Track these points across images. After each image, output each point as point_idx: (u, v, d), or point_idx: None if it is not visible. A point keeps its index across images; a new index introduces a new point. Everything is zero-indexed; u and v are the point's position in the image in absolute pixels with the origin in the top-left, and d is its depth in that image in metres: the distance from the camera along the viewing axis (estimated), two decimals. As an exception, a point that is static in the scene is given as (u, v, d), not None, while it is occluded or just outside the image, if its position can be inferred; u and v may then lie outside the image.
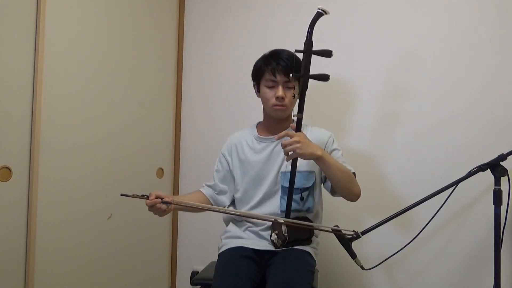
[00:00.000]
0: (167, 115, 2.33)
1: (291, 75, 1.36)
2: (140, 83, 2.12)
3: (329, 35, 1.95)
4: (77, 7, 1.76)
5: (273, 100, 1.43)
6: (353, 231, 1.36)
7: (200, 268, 1.85)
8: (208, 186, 1.58)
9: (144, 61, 2.14)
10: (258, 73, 1.47)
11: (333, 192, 1.44)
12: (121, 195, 1.30)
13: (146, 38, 2.15)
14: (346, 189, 1.37)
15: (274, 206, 1.46)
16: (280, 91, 1.41)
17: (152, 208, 1.29)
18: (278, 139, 1.33)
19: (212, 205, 1.54)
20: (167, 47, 2.32)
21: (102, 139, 1.90)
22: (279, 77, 1.41)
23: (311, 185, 1.46)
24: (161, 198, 1.29)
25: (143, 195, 1.29)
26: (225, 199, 1.56)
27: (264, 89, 1.46)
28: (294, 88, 1.43)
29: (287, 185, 1.38)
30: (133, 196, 1.28)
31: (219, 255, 1.47)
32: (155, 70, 2.23)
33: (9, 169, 1.50)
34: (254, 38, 2.18)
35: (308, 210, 1.46)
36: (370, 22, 1.90)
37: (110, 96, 1.94)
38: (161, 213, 1.31)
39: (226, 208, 1.56)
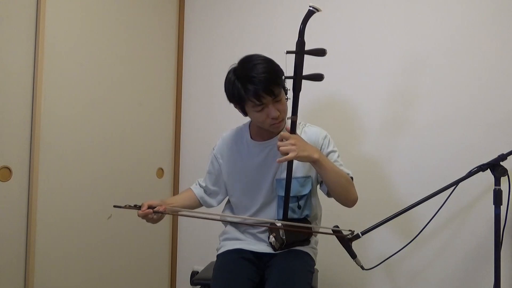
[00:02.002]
0: (167, 115, 2.33)
1: (283, 77, 1.26)
2: (140, 83, 2.12)
3: (331, 38, 1.95)
4: (77, 7, 1.77)
5: (269, 121, 1.31)
6: (350, 230, 1.32)
7: (200, 268, 1.85)
8: (200, 186, 1.56)
9: (144, 61, 2.14)
10: (239, 100, 1.30)
11: (329, 194, 1.40)
12: (114, 206, 1.34)
13: (146, 38, 2.16)
14: (343, 194, 1.33)
15: (272, 215, 1.42)
16: (273, 112, 1.29)
17: (145, 218, 1.31)
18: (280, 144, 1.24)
19: (201, 204, 1.54)
20: (167, 47, 2.32)
21: (102, 139, 1.90)
22: (265, 100, 1.26)
23: (308, 192, 1.41)
24: (153, 207, 1.30)
25: (135, 205, 1.32)
26: (214, 202, 1.54)
27: (253, 114, 1.32)
28: (283, 94, 1.33)
29: (283, 194, 1.34)
30: (125, 207, 1.31)
31: (218, 256, 1.47)
32: (155, 70, 2.23)
33: (9, 169, 1.50)
34: (254, 38, 2.18)
35: (307, 216, 1.43)
36: (371, 25, 1.90)
37: (110, 96, 1.94)
38: (153, 222, 1.34)
39: (222, 213, 1.55)
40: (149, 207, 1.30)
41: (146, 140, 2.17)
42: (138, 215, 1.31)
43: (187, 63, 2.41)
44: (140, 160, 2.13)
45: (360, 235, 1.35)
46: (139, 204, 1.33)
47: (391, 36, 1.86)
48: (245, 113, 1.37)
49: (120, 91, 2.00)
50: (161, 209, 1.30)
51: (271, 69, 1.27)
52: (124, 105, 2.02)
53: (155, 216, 1.31)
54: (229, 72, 1.34)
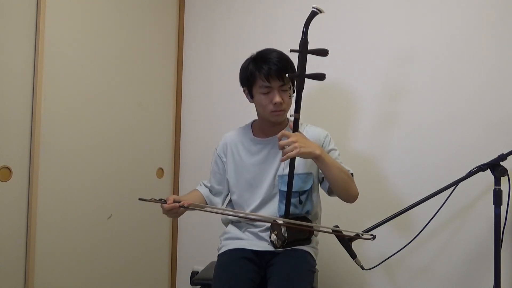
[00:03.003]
0: (167, 115, 2.33)
1: (286, 75, 1.32)
2: (140, 83, 2.12)
3: (327, 35, 1.95)
4: (77, 7, 1.77)
5: (271, 106, 1.38)
6: (364, 233, 1.33)
7: (200, 268, 1.85)
8: (205, 186, 1.59)
9: (144, 61, 2.14)
10: (250, 79, 1.40)
11: (330, 192, 1.43)
12: (139, 199, 1.31)
13: (146, 38, 2.16)
14: (344, 190, 1.36)
15: (273, 210, 1.44)
16: (277, 97, 1.36)
17: (169, 212, 1.30)
18: (280, 140, 1.28)
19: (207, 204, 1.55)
20: (167, 47, 2.32)
21: (102, 139, 1.90)
22: (273, 83, 1.36)
23: (309, 187, 1.44)
24: (178, 202, 1.30)
25: (160, 199, 1.30)
26: (219, 201, 1.56)
27: (259, 96, 1.40)
28: (290, 88, 1.39)
29: (285, 189, 1.36)
30: (150, 200, 1.29)
31: (219, 256, 1.47)
32: (155, 70, 2.23)
33: (9, 169, 1.50)
34: (254, 38, 2.18)
35: (307, 213, 1.44)
36: (369, 22, 1.90)
37: (110, 96, 1.94)
38: (176, 216, 1.34)
39: (224, 208, 1.55)
40: (174, 201, 1.30)
41: (146, 140, 2.17)
42: (165, 208, 1.30)
43: (187, 63, 2.41)
44: (140, 160, 2.13)
45: (361, 235, 1.35)
46: (164, 198, 1.32)
47: (390, 34, 1.85)
48: (252, 97, 1.44)
49: (120, 91, 2.00)
50: (186, 204, 1.30)
51: (286, 60, 1.38)
52: (124, 105, 2.02)
53: (181, 210, 1.31)
54: (245, 61, 1.45)
